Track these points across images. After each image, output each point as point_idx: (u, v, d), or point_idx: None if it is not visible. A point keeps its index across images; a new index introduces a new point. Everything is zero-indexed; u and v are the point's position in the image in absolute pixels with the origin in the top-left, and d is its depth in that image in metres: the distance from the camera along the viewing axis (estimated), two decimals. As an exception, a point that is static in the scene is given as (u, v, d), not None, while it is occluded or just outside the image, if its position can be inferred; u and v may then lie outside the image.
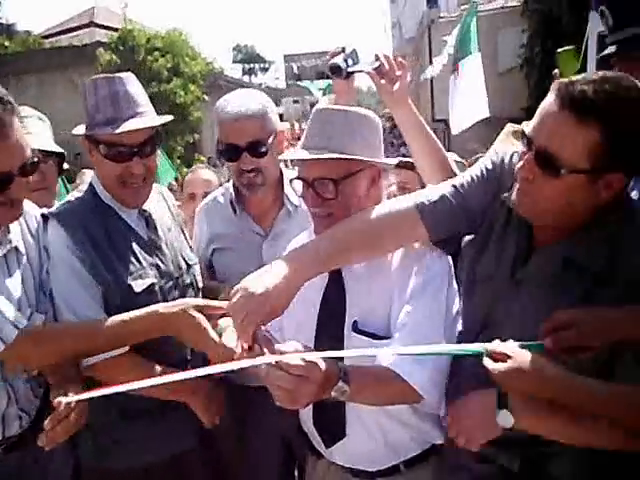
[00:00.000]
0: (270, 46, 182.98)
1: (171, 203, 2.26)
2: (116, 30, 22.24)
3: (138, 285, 1.93)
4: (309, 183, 1.69)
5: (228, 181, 2.64)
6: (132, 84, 1.94)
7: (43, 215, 1.93)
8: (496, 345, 1.35)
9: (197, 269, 2.21)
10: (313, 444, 1.90)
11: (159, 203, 2.17)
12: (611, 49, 1.76)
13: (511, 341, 1.37)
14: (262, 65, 73.42)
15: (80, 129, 1.97)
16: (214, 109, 2.28)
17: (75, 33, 26.70)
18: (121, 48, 14.91)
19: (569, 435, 1.39)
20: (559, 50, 1.97)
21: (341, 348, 1.68)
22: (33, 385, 1.85)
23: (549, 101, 1.38)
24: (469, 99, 6.41)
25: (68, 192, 3.66)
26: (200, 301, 1.83)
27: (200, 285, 2.20)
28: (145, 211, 2.05)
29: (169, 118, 2.05)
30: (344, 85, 2.16)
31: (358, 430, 1.75)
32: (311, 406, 1.72)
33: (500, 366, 1.31)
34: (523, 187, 1.45)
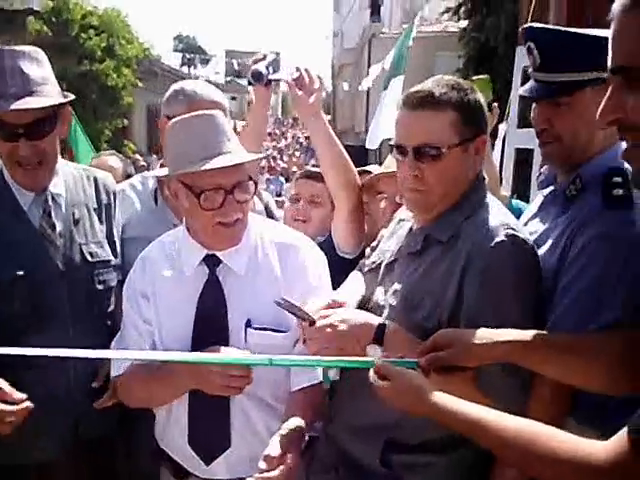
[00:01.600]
0: (212, 40, 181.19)
1: (104, 191, 2.14)
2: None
3: (2, 273, 1.85)
4: (228, 191, 1.65)
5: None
6: (31, 60, 1.85)
7: None
8: (381, 363, 1.36)
9: (105, 269, 2.08)
10: (181, 466, 1.83)
11: (79, 188, 2.07)
12: (531, 90, 1.76)
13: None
14: (202, 57, 72.59)
15: None
16: (177, 89, 2.24)
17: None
18: (54, 20, 14.28)
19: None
20: (473, 78, 2.02)
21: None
22: None
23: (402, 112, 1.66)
24: (385, 117, 6.55)
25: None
26: None
27: (107, 284, 2.08)
28: (45, 196, 1.96)
29: (64, 100, 1.96)
30: (264, 91, 2.21)
31: (246, 436, 1.75)
32: (183, 426, 1.76)
33: (383, 385, 1.32)
34: (411, 183, 1.63)
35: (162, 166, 2.19)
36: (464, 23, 15.62)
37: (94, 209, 2.08)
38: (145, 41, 17.82)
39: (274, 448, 1.51)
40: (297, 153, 27.68)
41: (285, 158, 24.12)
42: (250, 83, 2.23)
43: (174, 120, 1.73)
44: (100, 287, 2.05)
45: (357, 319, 1.61)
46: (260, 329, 1.73)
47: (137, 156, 16.33)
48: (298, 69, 2.12)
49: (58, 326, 1.90)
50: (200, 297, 1.75)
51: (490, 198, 1.68)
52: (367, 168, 2.68)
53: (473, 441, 1.23)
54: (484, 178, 1.72)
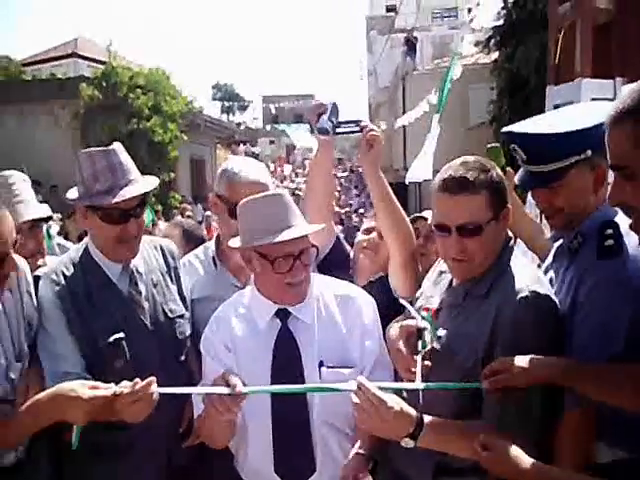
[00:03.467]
0: (249, 86, 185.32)
1: (170, 256, 2.45)
2: (98, 62, 22.35)
3: (103, 339, 2.15)
4: (295, 257, 1.97)
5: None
6: (123, 154, 2.20)
7: (36, 276, 2.17)
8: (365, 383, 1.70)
9: (182, 321, 2.39)
10: None
11: (152, 257, 2.39)
12: (524, 181, 2.02)
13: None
14: (240, 104, 74.15)
15: (73, 193, 2.21)
16: (223, 169, 2.53)
17: (57, 62, 26.89)
18: (104, 84, 15.04)
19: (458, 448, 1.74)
20: (488, 146, 2.25)
21: (302, 393, 1.98)
22: None
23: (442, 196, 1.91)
24: (424, 156, 6.73)
25: (50, 236, 3.91)
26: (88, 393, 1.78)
27: (184, 334, 2.37)
28: (129, 267, 2.27)
29: (156, 183, 2.29)
30: (328, 142, 2.41)
31: (326, 462, 2.00)
32: (268, 452, 2.00)
33: (485, 455, 1.59)
34: (456, 254, 1.89)
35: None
36: (495, 55, 15.79)
37: (166, 272, 2.40)
38: (188, 95, 18.51)
39: (349, 470, 1.80)
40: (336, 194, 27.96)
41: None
42: (312, 132, 2.41)
43: (246, 200, 2.04)
44: (180, 337, 2.36)
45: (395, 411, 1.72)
46: (332, 367, 2.01)
47: (185, 205, 16.90)
48: (361, 122, 2.33)
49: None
50: (275, 346, 2.04)
51: (517, 256, 1.96)
52: (423, 214, 2.92)
53: None
54: (510, 238, 2.00)
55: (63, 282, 2.18)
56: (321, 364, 2.02)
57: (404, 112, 17.49)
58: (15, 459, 2.00)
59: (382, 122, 25.71)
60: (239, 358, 2.07)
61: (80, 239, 8.08)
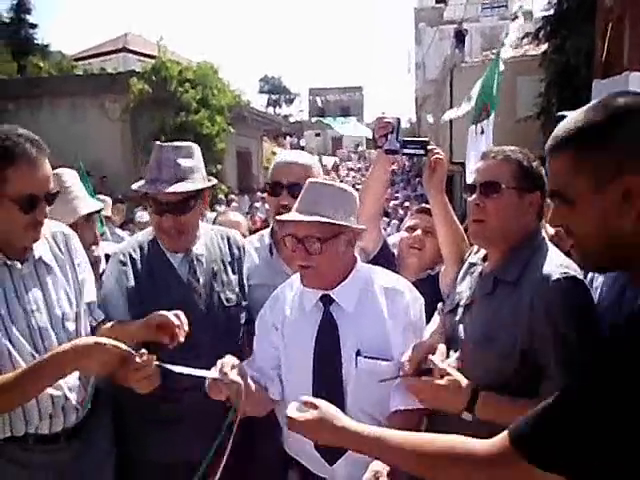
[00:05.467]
0: (296, 79, 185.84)
1: (235, 247, 2.59)
2: (147, 56, 22.74)
3: None
4: (299, 239, 2.07)
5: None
6: (183, 153, 2.30)
7: (106, 255, 2.35)
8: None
9: (237, 309, 2.49)
10: (307, 469, 2.17)
11: (216, 246, 2.51)
12: None
13: None
14: (287, 97, 74.44)
15: (140, 183, 2.36)
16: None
17: (107, 57, 27.57)
18: (154, 78, 15.29)
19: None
20: (559, 114, 2.28)
21: (340, 378, 2.08)
22: (83, 381, 2.16)
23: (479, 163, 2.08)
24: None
25: (102, 223, 4.13)
26: (110, 341, 1.86)
27: (238, 322, 2.49)
28: (190, 254, 2.40)
29: (202, 185, 2.36)
30: (387, 158, 2.53)
31: None
32: None
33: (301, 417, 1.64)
34: (475, 214, 2.01)
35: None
36: (544, 46, 15.50)
37: (228, 262, 2.52)
38: (235, 89, 18.74)
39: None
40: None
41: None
42: (376, 148, 2.54)
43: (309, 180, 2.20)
44: (234, 325, 2.47)
45: (454, 388, 1.85)
46: (368, 358, 2.07)
47: (232, 196, 17.16)
48: (427, 144, 2.39)
49: (199, 359, 2.17)
50: (318, 329, 2.13)
51: (549, 246, 1.98)
52: None
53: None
54: (539, 229, 2.05)
55: (129, 262, 2.34)
56: (358, 353, 2.07)
57: (451, 105, 17.34)
58: (77, 420, 2.12)
59: (428, 115, 25.53)
60: (286, 337, 2.19)
61: (122, 227, 8.35)
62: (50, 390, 1.99)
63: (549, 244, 2.00)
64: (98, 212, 3.04)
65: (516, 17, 22.74)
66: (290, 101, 74.55)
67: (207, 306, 2.40)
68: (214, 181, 2.47)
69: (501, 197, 1.96)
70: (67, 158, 13.74)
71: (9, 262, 1.98)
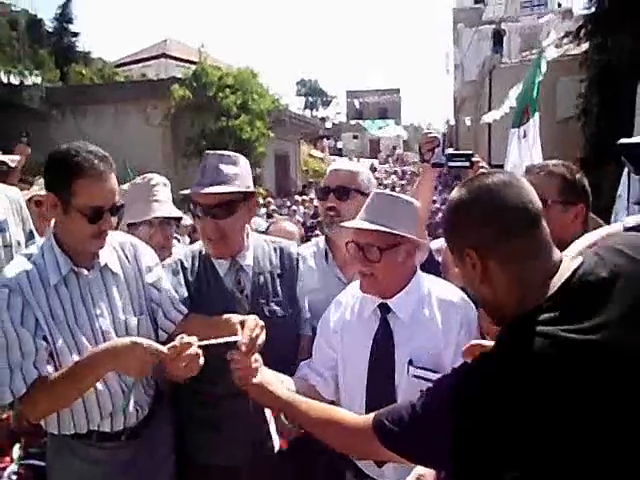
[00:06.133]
0: (333, 81, 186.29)
1: (287, 258, 2.58)
2: (186, 62, 23.10)
3: None
4: (360, 246, 2.15)
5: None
6: (227, 161, 2.35)
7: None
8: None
9: (282, 321, 2.44)
10: (359, 468, 2.24)
11: (266, 257, 2.54)
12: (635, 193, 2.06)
13: None
14: (324, 99, 74.67)
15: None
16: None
17: (147, 63, 28.12)
18: (194, 84, 15.58)
19: None
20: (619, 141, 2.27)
21: (392, 385, 2.15)
22: (144, 384, 2.26)
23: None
24: (526, 157, 6.53)
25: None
26: (147, 341, 1.92)
27: (281, 334, 2.36)
28: (237, 264, 2.45)
29: (238, 189, 2.35)
30: (432, 171, 2.68)
31: None
32: None
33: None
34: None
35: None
36: (585, 46, 15.22)
37: (278, 274, 2.52)
38: (274, 93, 18.92)
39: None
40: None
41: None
42: (423, 162, 2.66)
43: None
44: (276, 338, 2.31)
45: None
46: (420, 368, 2.11)
47: (269, 199, 17.34)
48: (472, 156, 2.50)
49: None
50: (375, 336, 2.21)
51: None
52: None
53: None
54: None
55: (180, 271, 2.42)
56: (411, 362, 2.13)
57: (490, 107, 17.19)
58: (138, 421, 2.23)
59: (467, 118, 25.32)
60: (344, 342, 2.28)
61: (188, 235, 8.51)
62: (110, 390, 2.12)
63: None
64: (176, 219, 3.11)
65: (554, 13, 22.35)
66: (327, 103, 74.79)
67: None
68: (251, 189, 2.45)
69: (547, 212, 1.98)
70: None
71: (76, 269, 2.10)
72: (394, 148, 50.33)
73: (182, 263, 2.46)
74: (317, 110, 72.91)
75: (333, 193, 2.69)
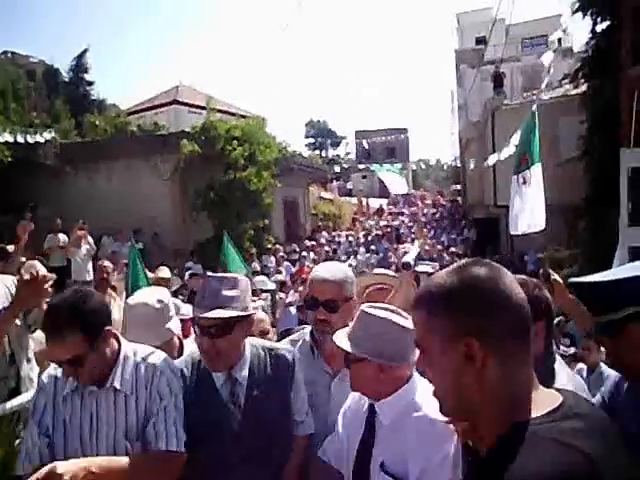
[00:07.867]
0: (342, 121, 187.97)
1: (284, 367, 2.65)
2: (198, 107, 23.56)
3: (194, 431, 2.42)
4: (346, 358, 2.33)
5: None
6: (226, 284, 2.49)
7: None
8: None
9: (279, 426, 2.58)
10: None
11: (262, 367, 2.64)
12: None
13: None
14: (333, 139, 75.35)
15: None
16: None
17: (159, 110, 28.77)
18: (202, 138, 15.83)
19: None
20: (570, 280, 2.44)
21: None
22: None
23: None
24: (530, 209, 6.60)
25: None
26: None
27: (273, 440, 2.55)
28: (232, 376, 2.56)
29: (235, 314, 2.46)
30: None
31: None
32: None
33: None
34: None
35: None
36: (584, 87, 15.33)
37: (273, 383, 2.62)
38: (282, 141, 19.17)
39: None
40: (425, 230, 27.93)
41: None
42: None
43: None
44: (271, 442, 2.56)
45: None
46: (386, 473, 2.18)
47: (277, 246, 17.51)
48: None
49: (228, 476, 2.46)
50: (363, 432, 2.34)
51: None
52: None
53: None
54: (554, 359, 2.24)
55: (178, 375, 2.54)
56: (382, 465, 2.21)
57: (494, 148, 17.35)
58: None
59: (471, 160, 25.46)
60: (347, 430, 2.44)
61: (175, 293, 8.68)
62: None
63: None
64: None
65: (551, 51, 22.60)
66: (337, 144, 75.48)
67: (247, 430, 2.52)
68: (251, 311, 2.58)
69: None
70: (122, 216, 14.46)
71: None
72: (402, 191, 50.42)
73: (183, 372, 2.58)
74: (327, 151, 73.57)
75: (322, 306, 2.75)
